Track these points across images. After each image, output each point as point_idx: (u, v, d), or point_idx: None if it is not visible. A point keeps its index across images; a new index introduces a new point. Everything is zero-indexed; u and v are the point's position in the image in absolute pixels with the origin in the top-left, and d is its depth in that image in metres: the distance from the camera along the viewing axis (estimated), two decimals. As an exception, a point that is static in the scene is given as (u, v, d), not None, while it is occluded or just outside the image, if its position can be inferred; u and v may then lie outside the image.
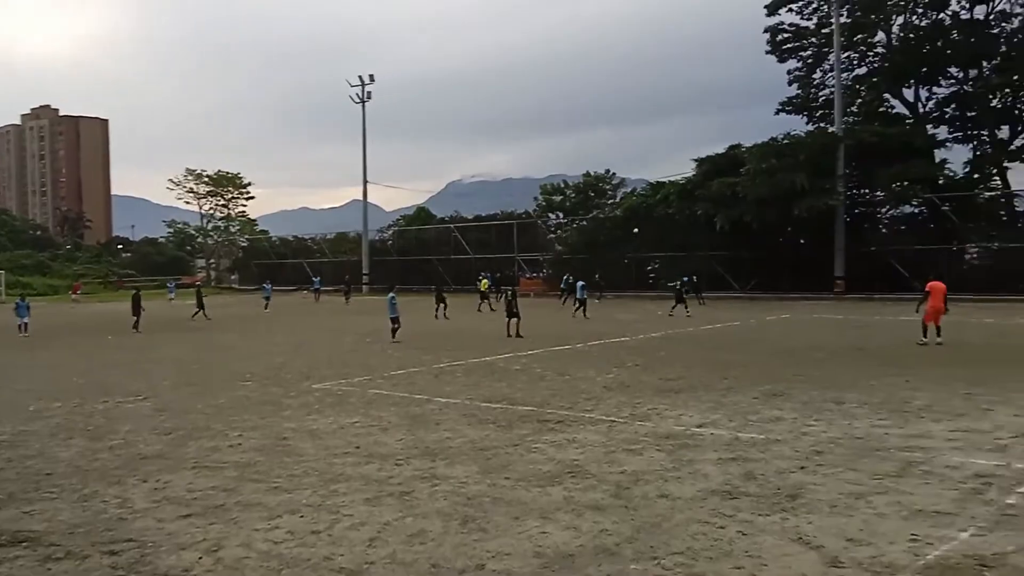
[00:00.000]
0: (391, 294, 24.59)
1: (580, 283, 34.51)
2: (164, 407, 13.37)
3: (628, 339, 23.01)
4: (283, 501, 7.74)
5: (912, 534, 6.34)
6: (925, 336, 19.93)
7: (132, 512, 7.56)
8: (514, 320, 24.11)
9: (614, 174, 69.51)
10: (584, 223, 59.67)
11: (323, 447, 10.02)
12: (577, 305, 32.80)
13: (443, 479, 8.35)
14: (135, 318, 30.25)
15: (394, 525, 6.93)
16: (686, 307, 32.49)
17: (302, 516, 7.26)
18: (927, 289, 20.54)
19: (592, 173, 69.00)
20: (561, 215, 66.89)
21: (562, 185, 70.87)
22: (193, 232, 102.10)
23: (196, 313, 35.85)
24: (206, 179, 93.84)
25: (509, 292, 25.13)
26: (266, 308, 42.98)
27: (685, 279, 36.87)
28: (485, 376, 16.07)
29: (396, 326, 23.64)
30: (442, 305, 33.33)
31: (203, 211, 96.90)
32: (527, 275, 58.85)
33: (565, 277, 43.04)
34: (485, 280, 42.37)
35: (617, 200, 64.22)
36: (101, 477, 8.85)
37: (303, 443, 10.29)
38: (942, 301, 20.02)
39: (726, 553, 6.07)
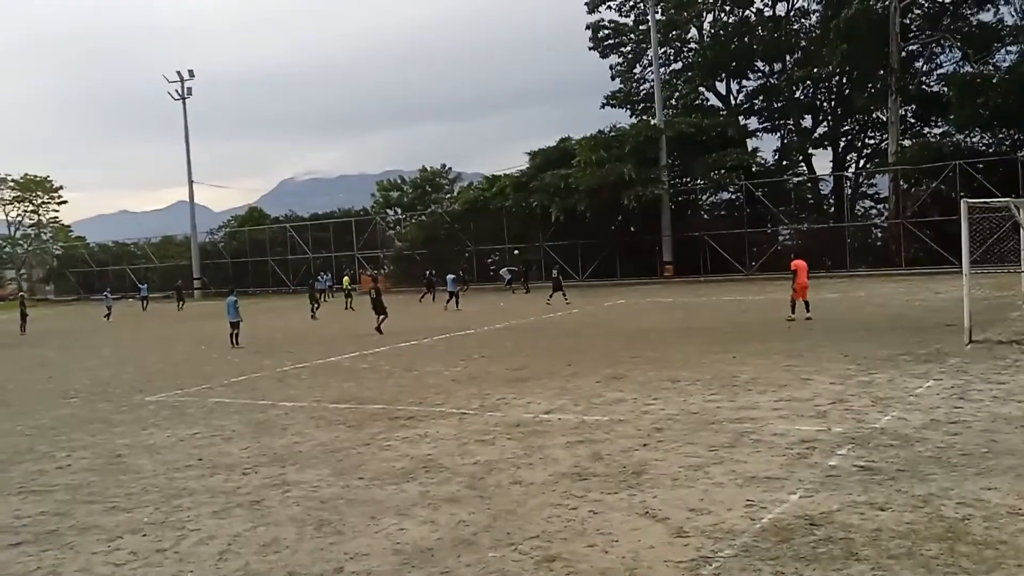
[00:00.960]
0: (231, 297, 23.60)
1: (450, 276, 35.48)
2: (-22, 432, 12.31)
3: (473, 331, 23.23)
4: (122, 521, 7.34)
5: (748, 500, 6.79)
6: (793, 312, 20.84)
7: (-48, 547, 6.95)
8: (381, 317, 23.75)
9: (450, 168, 69.70)
10: (423, 218, 59.59)
11: (162, 462, 9.55)
12: (449, 297, 33.71)
13: (294, 485, 8.17)
14: None
15: (245, 536, 6.72)
16: (564, 295, 33.14)
17: (145, 535, 6.91)
18: (793, 268, 21.36)
19: (428, 168, 68.91)
20: (399, 211, 66.48)
21: (399, 181, 70.38)
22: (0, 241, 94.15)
23: (24, 324, 33.87)
24: (11, 184, 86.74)
25: (373, 291, 24.56)
26: (108, 318, 40.28)
27: (556, 267, 37.80)
28: (331, 377, 15.79)
29: (236, 331, 22.73)
30: (315, 305, 32.46)
31: (9, 219, 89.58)
32: (368, 272, 58.22)
33: (428, 273, 43.01)
34: (347, 278, 43.03)
35: (454, 194, 64.52)
36: (-90, 514, 8.07)
37: (140, 459, 9.76)
38: (807, 277, 21.15)
39: (579, 533, 6.29)
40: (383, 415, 11.50)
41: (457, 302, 33.28)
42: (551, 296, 33.02)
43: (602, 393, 12.14)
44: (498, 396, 12.44)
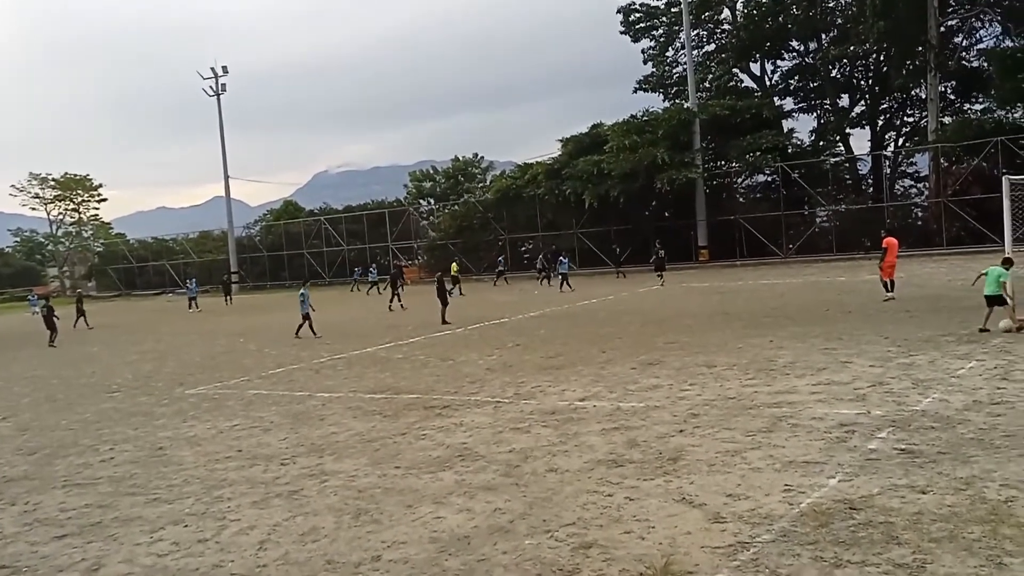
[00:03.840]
0: (302, 290, 23.63)
1: (563, 259, 36.17)
2: (25, 426, 12.62)
3: (507, 320, 23.25)
4: (164, 512, 7.46)
5: (786, 485, 6.72)
6: (888, 291, 20.31)
7: (1, 537, 7.15)
8: (444, 306, 23.89)
9: (482, 158, 69.81)
10: (456, 208, 59.73)
11: (203, 453, 9.69)
12: (562, 280, 34.49)
13: (332, 474, 8.25)
14: (52, 332, 27.85)
15: (284, 526, 6.80)
16: (564, 284, 33.70)
17: (186, 526, 7.03)
18: (884, 246, 20.81)
19: (460, 158, 69.05)
20: (432, 201, 66.73)
21: (431, 171, 70.59)
22: (42, 240, 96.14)
23: (79, 320, 34.28)
24: (52, 183, 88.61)
25: (448, 280, 24.67)
26: (194, 308, 42.54)
27: (659, 247, 36.83)
28: (367, 367, 15.90)
29: (307, 321, 22.55)
30: (396, 296, 32.49)
31: (52, 217, 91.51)
32: (403, 263, 58.55)
33: (547, 256, 43.15)
34: (455, 264, 42.89)
35: (487, 183, 64.55)
36: (-40, 506, 8.28)
37: (181, 451, 9.92)
38: (896, 256, 20.49)
39: (615, 519, 6.27)
40: (419, 404, 11.56)
41: (569, 283, 34.14)
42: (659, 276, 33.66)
43: (637, 379, 12.08)
44: (533, 384, 12.44)
